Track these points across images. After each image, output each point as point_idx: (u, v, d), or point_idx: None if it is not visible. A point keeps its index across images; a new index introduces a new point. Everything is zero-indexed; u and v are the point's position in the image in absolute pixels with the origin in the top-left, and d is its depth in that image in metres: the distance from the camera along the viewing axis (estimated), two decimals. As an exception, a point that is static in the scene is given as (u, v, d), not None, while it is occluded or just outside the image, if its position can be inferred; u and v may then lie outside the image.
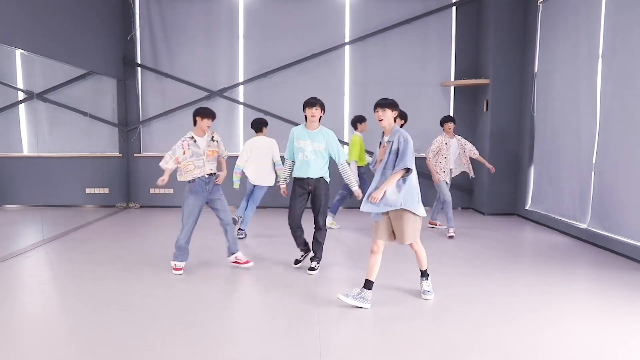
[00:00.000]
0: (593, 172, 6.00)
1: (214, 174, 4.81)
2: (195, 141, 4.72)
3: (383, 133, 4.06)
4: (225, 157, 5.04)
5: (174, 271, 4.76)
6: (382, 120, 3.99)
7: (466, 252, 5.64)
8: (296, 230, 4.88)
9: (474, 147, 6.68)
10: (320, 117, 4.73)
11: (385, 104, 4.00)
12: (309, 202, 4.86)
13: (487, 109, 8.12)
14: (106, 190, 8.70)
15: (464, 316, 3.70)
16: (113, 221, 7.56)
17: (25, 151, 8.33)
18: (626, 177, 5.38)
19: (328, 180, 4.83)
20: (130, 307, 3.84)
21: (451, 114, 8.69)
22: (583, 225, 6.21)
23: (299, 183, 4.77)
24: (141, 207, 8.74)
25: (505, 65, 7.93)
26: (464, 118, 8.60)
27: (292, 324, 3.54)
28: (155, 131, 8.77)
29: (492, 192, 8.13)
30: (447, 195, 6.35)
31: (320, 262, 4.90)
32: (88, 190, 8.70)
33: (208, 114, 4.72)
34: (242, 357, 3.03)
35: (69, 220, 7.21)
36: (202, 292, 4.24)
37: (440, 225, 7.06)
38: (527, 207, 7.75)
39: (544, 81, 7.31)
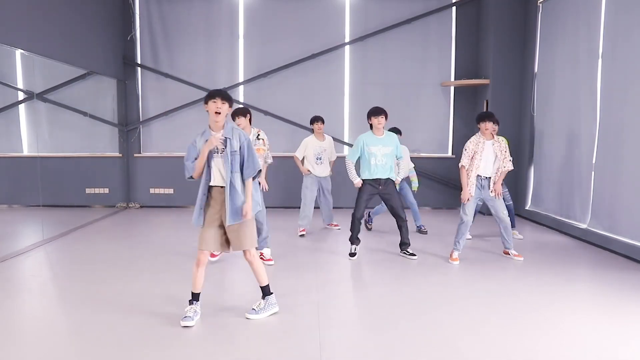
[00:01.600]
0: (593, 172, 6.00)
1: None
2: None
3: (209, 127, 3.54)
4: (267, 160, 5.16)
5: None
6: (219, 113, 3.46)
7: (466, 252, 5.64)
8: (358, 223, 5.40)
9: (509, 162, 5.12)
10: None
11: (227, 96, 3.50)
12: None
13: (487, 109, 8.12)
14: (106, 190, 8.69)
15: (464, 316, 3.70)
16: (113, 221, 7.56)
17: (25, 151, 8.32)
18: (626, 177, 5.38)
19: (394, 179, 5.38)
20: (130, 307, 3.84)
21: (451, 114, 8.69)
22: (583, 225, 6.21)
23: (370, 183, 5.31)
24: (141, 207, 8.74)
25: (505, 65, 7.93)
26: (464, 118, 8.60)
27: (292, 325, 3.54)
28: (155, 131, 8.77)
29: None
30: (469, 216, 5.13)
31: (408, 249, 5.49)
32: (88, 190, 8.69)
33: (235, 112, 4.87)
34: (242, 357, 3.03)
35: (69, 220, 7.21)
36: (202, 293, 4.23)
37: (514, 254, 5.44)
38: (527, 207, 7.75)
39: (544, 81, 7.31)
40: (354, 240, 5.45)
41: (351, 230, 5.45)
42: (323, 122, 6.56)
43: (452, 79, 8.62)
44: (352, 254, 5.41)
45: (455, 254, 5.26)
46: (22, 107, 8.42)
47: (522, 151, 7.96)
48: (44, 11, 6.13)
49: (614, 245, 5.59)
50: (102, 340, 3.25)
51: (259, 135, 4.99)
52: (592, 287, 4.52)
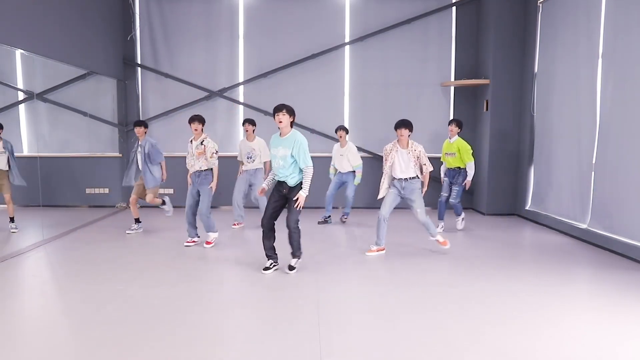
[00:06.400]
0: (593, 172, 6.00)
1: (204, 170, 5.74)
2: (191, 142, 5.81)
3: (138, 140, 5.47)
4: (213, 161, 5.74)
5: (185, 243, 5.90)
6: (139, 135, 5.23)
7: (466, 252, 5.64)
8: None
9: (430, 165, 5.55)
10: (292, 122, 4.94)
11: (143, 124, 5.26)
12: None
13: (487, 109, 8.13)
14: (106, 190, 8.70)
15: (464, 316, 3.70)
16: (113, 221, 7.55)
17: (25, 151, 8.31)
18: (626, 177, 5.38)
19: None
20: (130, 307, 3.85)
21: (451, 114, 8.69)
22: (583, 225, 6.21)
23: (276, 187, 4.86)
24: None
25: (505, 65, 7.93)
26: (464, 118, 8.59)
27: (292, 325, 3.54)
28: (155, 131, 8.77)
29: (492, 192, 8.13)
30: (383, 214, 5.45)
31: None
32: (88, 190, 8.70)
33: (191, 119, 5.73)
34: (242, 358, 3.03)
35: (69, 220, 7.21)
36: (202, 292, 4.24)
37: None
38: (527, 207, 7.75)
39: (544, 81, 7.31)
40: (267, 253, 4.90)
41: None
42: (253, 124, 6.90)
43: (452, 79, 8.62)
44: (265, 268, 4.83)
45: (374, 247, 5.59)
46: (22, 107, 8.42)
47: (522, 151, 7.96)
48: (44, 11, 6.13)
49: (614, 245, 5.59)
50: (101, 340, 3.25)
51: (202, 141, 5.70)
52: (592, 287, 4.52)
